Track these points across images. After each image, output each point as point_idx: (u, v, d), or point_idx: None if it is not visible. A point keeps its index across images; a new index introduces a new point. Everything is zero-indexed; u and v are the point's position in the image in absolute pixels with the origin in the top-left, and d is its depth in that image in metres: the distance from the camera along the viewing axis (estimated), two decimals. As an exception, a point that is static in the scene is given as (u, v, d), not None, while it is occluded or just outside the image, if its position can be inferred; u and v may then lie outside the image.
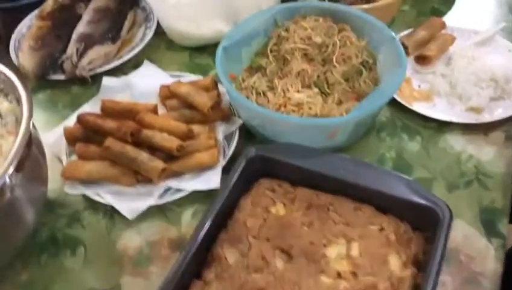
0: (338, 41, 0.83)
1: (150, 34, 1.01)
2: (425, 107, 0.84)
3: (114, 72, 0.96)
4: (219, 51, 0.80)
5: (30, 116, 0.60)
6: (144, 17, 1.06)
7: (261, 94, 0.81)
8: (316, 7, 0.87)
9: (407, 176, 0.69)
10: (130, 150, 0.75)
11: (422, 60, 0.91)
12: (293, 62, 0.82)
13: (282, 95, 0.80)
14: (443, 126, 0.82)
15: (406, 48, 0.92)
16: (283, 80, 0.81)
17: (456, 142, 0.80)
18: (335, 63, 0.82)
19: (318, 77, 0.81)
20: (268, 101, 0.79)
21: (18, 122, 0.65)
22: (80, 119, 0.78)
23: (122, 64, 0.96)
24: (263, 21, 0.87)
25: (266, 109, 0.77)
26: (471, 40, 0.93)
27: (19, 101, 0.65)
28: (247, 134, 0.82)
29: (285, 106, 0.78)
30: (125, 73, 0.96)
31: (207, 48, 1.01)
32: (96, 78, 0.94)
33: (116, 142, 0.75)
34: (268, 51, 0.86)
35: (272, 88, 0.81)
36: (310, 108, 0.77)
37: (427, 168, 0.77)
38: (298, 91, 0.80)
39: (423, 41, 0.93)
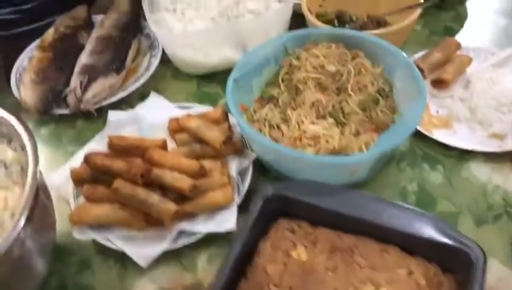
0: (352, 69, 0.80)
1: (155, 62, 0.98)
2: (446, 134, 0.81)
3: (120, 104, 0.93)
4: (229, 83, 0.77)
5: (36, 167, 0.57)
6: (148, 45, 1.04)
7: (275, 127, 0.78)
8: (327, 34, 0.84)
9: (433, 214, 0.65)
10: (141, 192, 0.71)
11: (439, 83, 0.88)
12: (306, 92, 0.79)
13: (296, 127, 0.76)
14: (465, 154, 0.79)
15: (421, 70, 0.89)
16: (297, 111, 0.78)
17: (480, 171, 0.77)
18: (350, 92, 0.79)
19: (333, 107, 0.78)
20: (282, 134, 0.76)
21: (24, 171, 0.62)
22: (87, 160, 0.75)
23: (127, 96, 0.93)
24: (273, 49, 0.84)
25: (281, 146, 0.73)
26: (488, 62, 0.90)
27: (23, 147, 0.62)
28: (261, 167, 0.79)
29: (300, 140, 0.75)
30: (132, 105, 0.93)
31: (215, 76, 0.97)
32: (102, 111, 0.91)
33: (126, 183, 0.72)
34: (280, 80, 0.83)
35: (285, 120, 0.78)
36: (327, 141, 0.74)
37: (452, 201, 0.73)
38: (313, 123, 0.77)
39: (439, 63, 0.90)
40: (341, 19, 0.99)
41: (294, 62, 0.83)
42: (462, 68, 0.89)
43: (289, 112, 0.78)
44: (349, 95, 0.79)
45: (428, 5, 0.88)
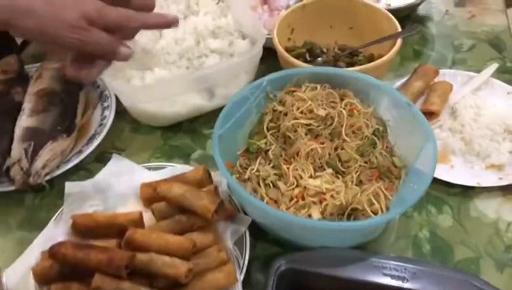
0: (344, 111, 0.73)
1: (110, 116, 0.85)
2: (444, 170, 0.76)
3: (75, 171, 0.79)
4: (215, 142, 0.67)
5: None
6: (98, 95, 0.90)
7: (271, 185, 0.69)
8: (310, 73, 0.77)
9: (464, 272, 0.60)
10: (127, 287, 0.59)
11: (425, 114, 0.83)
12: (298, 141, 0.71)
13: (295, 183, 0.68)
14: (468, 190, 0.74)
15: (404, 102, 0.85)
16: (292, 164, 0.69)
17: (488, 208, 0.73)
18: (345, 137, 0.72)
19: (329, 155, 0.71)
20: (282, 194, 0.67)
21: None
22: (54, 254, 0.61)
23: (83, 160, 0.80)
24: (254, 97, 0.75)
25: (288, 215, 0.64)
26: (468, 87, 0.87)
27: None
28: (257, 229, 0.69)
29: (303, 198, 0.67)
30: (90, 170, 0.80)
31: (180, 125, 0.87)
32: (54, 182, 0.77)
33: (107, 279, 0.59)
34: (266, 130, 0.74)
35: (280, 175, 0.69)
36: (333, 197, 0.66)
37: (468, 245, 0.68)
38: (312, 176, 0.69)
39: (420, 92, 0.86)
40: (312, 52, 0.92)
41: (279, 108, 0.75)
42: (445, 96, 0.85)
43: (284, 166, 0.69)
44: (345, 141, 0.72)
45: (409, 35, 0.84)
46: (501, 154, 0.77)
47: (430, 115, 0.83)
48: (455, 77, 0.90)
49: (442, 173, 0.75)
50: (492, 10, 1.07)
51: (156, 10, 0.94)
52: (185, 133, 0.86)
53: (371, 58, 0.90)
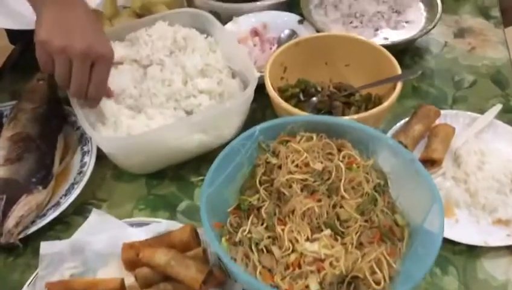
0: (342, 165, 0.68)
1: (90, 162, 0.79)
2: (449, 225, 0.71)
3: (52, 224, 0.73)
4: (203, 203, 0.61)
5: None
6: (78, 138, 0.84)
7: (264, 250, 0.63)
8: (306, 122, 0.71)
9: None
10: None
11: (426, 161, 0.79)
12: (294, 199, 0.65)
13: (290, 248, 0.63)
14: (474, 248, 0.70)
15: (405, 146, 0.80)
16: (287, 225, 0.64)
17: (496, 268, 0.68)
18: (344, 193, 0.66)
19: (327, 213, 0.66)
20: (276, 261, 0.62)
21: None
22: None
23: (60, 213, 0.74)
24: (245, 149, 0.69)
25: None
26: (472, 130, 0.83)
27: None
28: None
29: (299, 266, 0.61)
30: (67, 223, 0.75)
31: (165, 172, 0.81)
32: (29, 239, 0.71)
33: None
34: (258, 184, 0.69)
35: (274, 237, 0.64)
36: (331, 264, 0.61)
37: (476, 312, 0.64)
38: (309, 239, 0.64)
39: (420, 135, 0.82)
40: (306, 91, 0.87)
41: (272, 160, 0.69)
42: (448, 141, 0.80)
43: (278, 227, 0.64)
44: (343, 198, 0.66)
45: (409, 78, 0.79)
46: (508, 208, 0.72)
47: (432, 162, 0.78)
48: (457, 118, 0.85)
49: (447, 229, 0.69)
50: (492, 42, 1.03)
51: (140, 47, 0.89)
52: (170, 180, 0.80)
53: (368, 98, 0.85)
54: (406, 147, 0.79)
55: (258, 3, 1.02)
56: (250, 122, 0.84)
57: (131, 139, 0.75)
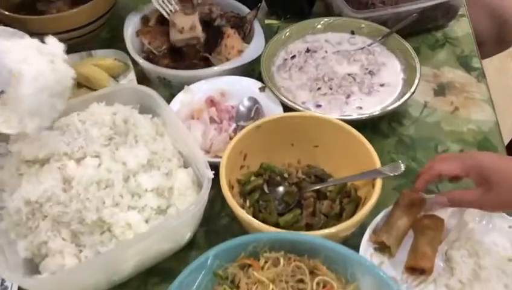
0: (316, 295, 0.56)
1: None
2: None
3: None
4: None
5: None
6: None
7: None
8: (271, 240, 0.59)
9: None
10: None
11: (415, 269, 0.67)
12: None
13: None
14: None
15: (388, 248, 0.68)
16: None
17: None
18: (320, 334, 0.54)
19: None
20: None
21: None
22: None
23: None
24: (197, 283, 0.56)
25: None
26: (463, 225, 0.71)
27: None
28: None
29: None
30: None
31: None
32: None
33: None
34: (214, 326, 0.56)
35: None
36: None
37: None
38: None
39: (405, 231, 0.70)
40: (271, 180, 0.75)
41: (231, 293, 0.57)
42: (438, 239, 0.69)
43: None
44: (320, 340, 0.54)
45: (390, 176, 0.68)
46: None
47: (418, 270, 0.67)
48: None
49: None
50: (476, 100, 0.93)
51: (71, 135, 0.75)
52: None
53: (343, 188, 0.73)
54: (389, 248, 0.68)
55: (215, 68, 0.89)
56: (208, 214, 0.71)
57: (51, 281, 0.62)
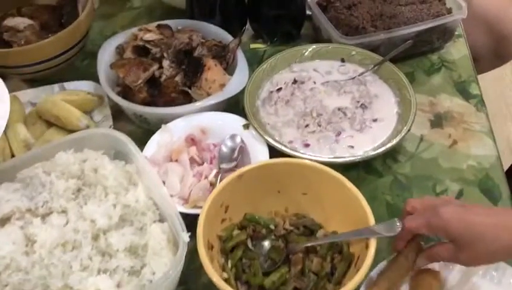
0: None
1: None
2: None
3: None
4: None
5: None
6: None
7: None
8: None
9: None
10: None
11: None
12: None
13: None
14: None
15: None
16: None
17: None
18: None
19: None
20: None
21: None
22: None
23: None
24: None
25: None
26: (461, 280, 0.66)
27: None
28: None
29: None
30: None
31: None
32: None
33: None
34: None
35: None
36: None
37: None
38: None
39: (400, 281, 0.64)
40: (256, 235, 0.68)
41: None
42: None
43: None
44: None
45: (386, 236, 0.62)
46: None
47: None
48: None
49: None
50: (476, 132, 0.86)
51: (35, 188, 0.69)
52: None
53: (334, 242, 0.67)
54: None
55: (195, 104, 0.82)
56: (186, 270, 0.65)
57: None
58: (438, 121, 0.89)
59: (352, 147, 0.78)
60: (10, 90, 0.90)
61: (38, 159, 0.70)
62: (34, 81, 0.96)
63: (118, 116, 0.89)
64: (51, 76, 0.95)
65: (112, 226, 0.65)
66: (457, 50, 1.03)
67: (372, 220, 0.61)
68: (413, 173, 0.81)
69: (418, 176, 0.81)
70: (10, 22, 0.95)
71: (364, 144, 0.78)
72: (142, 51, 0.90)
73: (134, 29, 0.94)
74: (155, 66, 0.86)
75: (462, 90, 0.94)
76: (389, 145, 0.76)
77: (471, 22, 1.08)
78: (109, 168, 0.70)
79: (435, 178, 0.80)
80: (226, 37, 0.93)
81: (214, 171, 0.75)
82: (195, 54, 0.89)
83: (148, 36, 0.90)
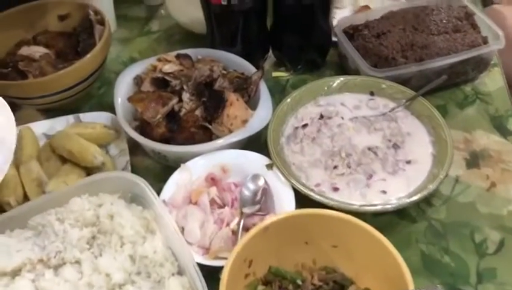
0: None
1: None
2: None
3: None
4: None
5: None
6: None
7: None
8: None
9: None
10: None
11: None
12: None
13: None
14: None
15: None
16: None
17: None
18: None
19: None
20: None
21: None
22: None
23: None
24: None
25: None
26: None
27: None
28: None
29: None
30: None
31: None
32: None
33: None
34: None
35: None
36: None
37: None
38: None
39: None
40: (282, 286, 0.63)
41: None
42: None
43: None
44: None
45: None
46: None
47: None
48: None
49: None
50: (515, 173, 0.81)
51: (47, 237, 0.65)
52: None
53: (367, 300, 0.62)
54: None
55: (216, 142, 0.77)
56: None
57: None
58: (474, 160, 0.83)
59: (384, 192, 0.73)
60: (24, 121, 0.88)
61: (51, 205, 0.66)
62: (49, 111, 0.93)
63: (135, 150, 0.85)
64: (66, 106, 0.92)
65: (127, 280, 0.61)
66: (493, 81, 0.97)
67: (411, 284, 0.55)
68: (449, 218, 0.76)
69: (455, 222, 0.75)
70: (25, 50, 0.92)
71: (398, 189, 0.73)
72: (161, 82, 0.86)
73: (153, 59, 0.90)
74: (174, 100, 0.82)
75: (499, 126, 0.89)
76: (425, 192, 0.70)
77: (508, 50, 1.03)
78: (126, 216, 0.65)
79: (472, 225, 0.75)
80: (248, 67, 0.89)
81: (236, 219, 0.71)
82: (216, 86, 0.85)
83: (168, 68, 0.86)
